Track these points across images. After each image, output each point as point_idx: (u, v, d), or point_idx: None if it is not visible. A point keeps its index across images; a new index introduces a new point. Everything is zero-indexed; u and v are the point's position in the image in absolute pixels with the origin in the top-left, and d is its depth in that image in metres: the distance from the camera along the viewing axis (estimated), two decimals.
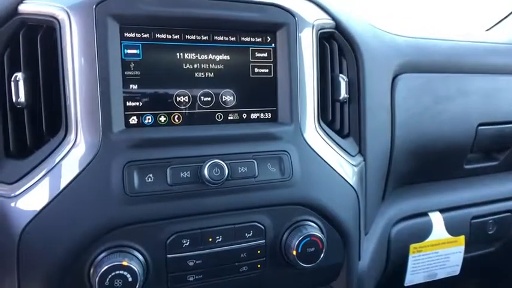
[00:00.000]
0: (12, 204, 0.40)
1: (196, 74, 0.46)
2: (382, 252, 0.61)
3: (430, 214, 0.67)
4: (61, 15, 0.40)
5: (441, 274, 0.68)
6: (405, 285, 0.67)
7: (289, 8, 0.48)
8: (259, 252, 0.46)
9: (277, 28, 0.48)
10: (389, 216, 0.63)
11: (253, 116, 0.48)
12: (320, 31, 0.51)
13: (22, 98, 0.40)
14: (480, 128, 0.66)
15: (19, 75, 0.40)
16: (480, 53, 0.69)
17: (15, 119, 0.42)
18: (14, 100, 0.40)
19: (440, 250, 0.66)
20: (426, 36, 0.66)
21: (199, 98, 0.46)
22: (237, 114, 0.48)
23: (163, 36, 0.44)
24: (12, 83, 0.40)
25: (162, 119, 0.45)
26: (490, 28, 1.06)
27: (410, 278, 0.66)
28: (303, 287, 0.51)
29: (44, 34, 0.42)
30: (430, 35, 0.67)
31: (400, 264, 0.65)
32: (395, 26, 0.66)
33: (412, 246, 0.65)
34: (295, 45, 0.48)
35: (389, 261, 0.63)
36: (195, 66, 0.46)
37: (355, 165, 0.53)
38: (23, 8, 0.41)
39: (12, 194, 0.40)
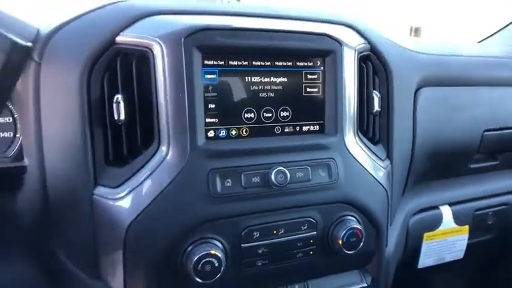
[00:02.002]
0: (118, 204, 0.48)
1: (260, 94, 0.54)
2: (402, 240, 0.72)
3: (440, 207, 0.77)
4: (154, 46, 0.48)
5: (448, 258, 0.79)
6: (418, 267, 0.78)
7: (337, 37, 0.56)
8: (311, 241, 0.55)
9: (326, 54, 0.56)
10: (407, 210, 0.73)
11: (305, 128, 0.57)
12: (360, 54, 0.60)
13: (122, 116, 0.48)
14: (485, 133, 0.76)
15: (119, 97, 0.48)
16: (487, 68, 0.79)
17: (113, 134, 0.50)
18: (115, 118, 0.48)
19: (449, 238, 0.77)
20: (443, 53, 0.75)
21: (262, 114, 0.55)
22: (291, 127, 0.57)
23: (235, 62, 0.52)
24: (114, 104, 0.48)
25: (233, 132, 0.53)
26: (482, 40, 1.15)
27: (423, 261, 0.77)
28: (344, 270, 0.61)
29: (138, 61, 0.49)
30: (447, 51, 0.77)
31: (415, 250, 0.76)
32: (417, 43, 0.75)
33: (425, 234, 0.75)
34: (340, 68, 0.57)
35: (407, 247, 0.73)
36: (260, 87, 0.54)
37: (384, 168, 0.63)
38: (119, 39, 0.49)
39: (117, 196, 0.48)
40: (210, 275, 0.48)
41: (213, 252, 0.48)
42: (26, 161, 0.53)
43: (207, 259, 0.48)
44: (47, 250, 0.53)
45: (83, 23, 0.51)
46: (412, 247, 0.74)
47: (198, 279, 0.48)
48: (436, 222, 0.76)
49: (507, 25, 1.07)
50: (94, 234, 0.50)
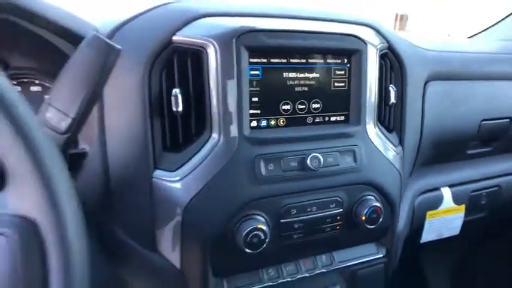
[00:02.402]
0: (176, 186, 0.55)
1: (295, 88, 0.61)
2: (409, 218, 0.81)
3: (441, 189, 0.86)
4: (208, 45, 0.54)
5: (446, 233, 0.89)
6: (420, 242, 0.87)
7: (363, 38, 0.63)
8: (338, 218, 0.63)
9: (353, 53, 0.63)
10: (414, 190, 0.82)
11: (332, 118, 0.65)
12: (380, 52, 0.67)
13: (180, 108, 0.54)
14: (483, 122, 0.85)
15: (177, 91, 0.54)
16: (485, 63, 0.87)
17: (170, 123, 0.56)
18: (174, 109, 0.54)
19: (448, 216, 0.87)
20: (448, 50, 0.83)
21: (297, 106, 0.61)
22: (321, 117, 0.64)
23: (275, 60, 0.59)
24: (173, 97, 0.54)
25: (272, 122, 0.60)
26: (473, 36, 1.24)
27: (425, 237, 0.86)
28: (363, 242, 0.70)
29: (192, 58, 0.55)
30: (451, 48, 0.85)
31: (419, 227, 0.85)
32: (425, 41, 0.82)
33: (428, 213, 0.85)
34: (365, 65, 0.64)
35: (412, 224, 0.82)
36: (295, 82, 0.61)
37: (397, 153, 0.71)
38: (176, 38, 0.54)
39: (175, 179, 0.55)
40: (257, 246, 0.56)
41: (259, 226, 0.55)
42: (86, 148, 0.58)
43: (255, 232, 0.55)
44: (106, 229, 0.59)
45: (141, 23, 0.56)
46: (416, 224, 0.84)
47: (247, 250, 0.55)
48: (438, 202, 0.86)
49: (498, 22, 1.16)
50: (152, 213, 0.57)
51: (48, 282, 0.27)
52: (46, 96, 0.61)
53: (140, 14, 0.57)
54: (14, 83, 0.61)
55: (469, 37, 1.25)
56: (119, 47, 0.41)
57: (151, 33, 0.54)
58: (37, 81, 0.62)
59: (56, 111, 0.41)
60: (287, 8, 0.63)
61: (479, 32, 1.22)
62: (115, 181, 0.56)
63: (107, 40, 0.40)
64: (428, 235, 0.86)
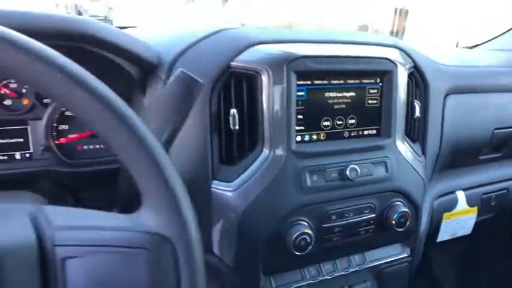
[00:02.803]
0: (233, 195, 0.61)
1: (334, 106, 0.68)
2: (428, 219, 0.88)
3: (456, 192, 0.94)
4: (262, 71, 0.60)
5: (460, 233, 0.97)
6: (437, 241, 0.95)
7: (394, 60, 0.70)
8: (371, 222, 0.70)
9: (385, 74, 0.70)
10: (432, 194, 0.89)
11: (366, 132, 0.71)
12: (408, 71, 0.74)
13: (237, 126, 0.61)
14: (495, 131, 0.93)
15: (234, 111, 0.60)
16: (496, 76, 0.95)
17: (226, 139, 0.62)
18: (231, 127, 0.60)
19: (461, 217, 0.95)
20: (465, 65, 0.90)
21: (336, 122, 0.68)
22: (356, 131, 0.71)
23: (318, 82, 0.65)
24: (231, 117, 0.60)
25: (314, 137, 0.67)
26: (474, 46, 1.31)
27: (441, 236, 0.94)
28: (391, 243, 0.77)
29: (247, 81, 0.61)
30: (467, 63, 0.92)
31: (436, 227, 0.93)
32: (444, 56, 0.89)
33: (444, 214, 0.92)
34: (395, 84, 0.70)
35: (431, 225, 0.90)
36: (334, 101, 0.67)
37: (421, 162, 0.78)
38: (233, 64, 0.60)
39: (231, 189, 0.62)
40: (304, 248, 0.63)
41: (306, 231, 0.62)
42: None
43: (302, 236, 0.62)
44: None
45: (202, 49, 0.62)
46: (434, 225, 0.91)
47: (295, 252, 0.62)
48: (453, 204, 0.93)
49: (504, 33, 1.23)
50: (210, 218, 0.63)
51: (179, 285, 0.33)
52: None
53: (200, 40, 0.63)
54: None
55: (473, 46, 1.32)
56: (201, 81, 0.47)
57: (212, 59, 0.60)
58: None
59: None
60: (325, 33, 0.69)
61: (483, 43, 1.29)
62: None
63: (192, 75, 0.47)
64: (444, 235, 0.94)
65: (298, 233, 0.62)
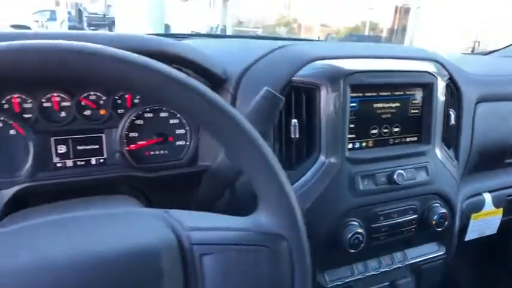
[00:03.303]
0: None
1: (382, 116, 0.74)
2: (459, 220, 0.94)
3: (483, 194, 1.00)
4: (321, 85, 0.66)
5: (486, 232, 1.03)
6: (465, 240, 1.01)
7: (434, 73, 0.76)
8: (413, 222, 0.76)
9: (426, 86, 0.76)
10: (462, 196, 0.95)
11: (408, 139, 0.77)
12: (445, 82, 0.79)
13: (297, 135, 0.67)
14: None
15: (295, 121, 0.66)
16: None
17: (286, 147, 0.68)
18: (292, 136, 0.66)
19: (488, 217, 1.01)
20: (493, 74, 0.96)
21: (382, 130, 0.74)
22: (399, 139, 0.77)
23: (369, 94, 0.71)
24: (292, 127, 0.66)
25: (363, 144, 0.73)
26: (490, 53, 1.37)
27: (469, 235, 1.00)
28: (430, 241, 0.83)
29: (306, 94, 0.67)
30: (494, 72, 0.98)
31: (464, 227, 0.99)
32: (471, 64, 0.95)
33: (472, 215, 0.98)
34: (435, 95, 0.76)
35: (460, 225, 0.96)
36: (382, 111, 0.73)
37: (455, 167, 0.84)
38: (294, 78, 0.66)
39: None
40: (357, 246, 0.69)
41: (359, 230, 0.68)
42: (210, 164, 0.71)
43: (356, 235, 0.68)
44: None
45: (265, 65, 0.68)
46: (463, 224, 0.97)
47: (350, 250, 0.68)
48: (480, 205, 0.99)
49: None
50: None
51: (293, 284, 0.39)
52: (171, 121, 0.74)
53: (262, 56, 0.69)
54: (147, 109, 0.73)
55: (489, 53, 1.38)
56: (282, 97, 0.53)
57: (274, 75, 0.66)
58: (163, 108, 0.74)
59: None
60: (373, 48, 0.75)
61: (501, 49, 1.36)
62: (240, 191, 0.69)
63: (275, 93, 0.52)
64: (471, 234, 1.00)
65: (352, 232, 0.68)
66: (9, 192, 0.60)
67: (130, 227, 0.37)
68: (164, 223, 0.38)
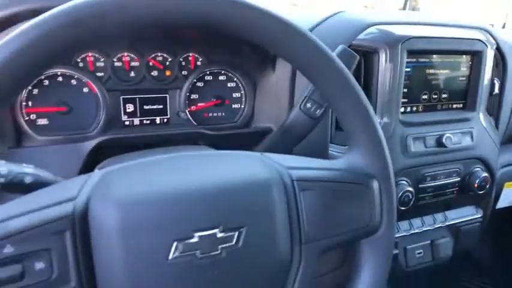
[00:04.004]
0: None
1: (432, 82, 0.77)
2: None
3: None
4: (381, 49, 0.69)
5: None
6: (496, 207, 1.05)
7: (484, 41, 0.78)
8: (456, 185, 0.80)
9: (476, 53, 0.78)
10: (498, 164, 0.99)
11: (454, 106, 0.81)
12: (493, 52, 0.82)
13: None
14: None
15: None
16: None
17: None
18: None
19: None
20: None
21: (432, 96, 0.77)
22: (447, 105, 0.80)
23: (422, 60, 0.74)
24: None
25: (414, 108, 0.76)
26: None
27: (501, 203, 1.04)
28: (470, 204, 0.88)
29: (365, 57, 0.70)
30: None
31: (497, 195, 1.02)
32: None
33: (506, 184, 1.02)
34: (484, 63, 0.79)
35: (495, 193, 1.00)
36: (432, 77, 0.76)
37: (496, 134, 0.87)
38: (354, 42, 0.69)
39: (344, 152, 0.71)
40: (406, 204, 0.73)
41: (408, 189, 0.73)
42: (272, 125, 0.74)
43: (406, 194, 0.72)
44: None
45: (324, 30, 0.71)
46: (496, 193, 1.01)
47: (400, 207, 0.72)
48: None
49: None
50: None
51: (381, 217, 0.44)
52: (229, 84, 0.77)
53: (323, 21, 0.72)
54: (208, 72, 0.76)
55: None
56: (357, 55, 0.56)
57: (335, 38, 0.69)
58: (223, 72, 0.77)
59: (314, 102, 0.56)
60: (428, 16, 0.77)
61: None
62: (299, 149, 0.73)
63: (351, 50, 0.55)
64: (503, 202, 1.04)
65: (403, 190, 0.72)
66: (89, 144, 0.64)
67: (238, 164, 0.41)
68: (264, 162, 0.42)
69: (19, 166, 0.44)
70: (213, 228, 0.36)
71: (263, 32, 0.38)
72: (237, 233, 0.37)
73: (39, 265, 0.32)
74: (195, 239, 0.35)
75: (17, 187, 0.43)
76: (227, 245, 0.36)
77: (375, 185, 0.44)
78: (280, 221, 0.39)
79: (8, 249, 0.31)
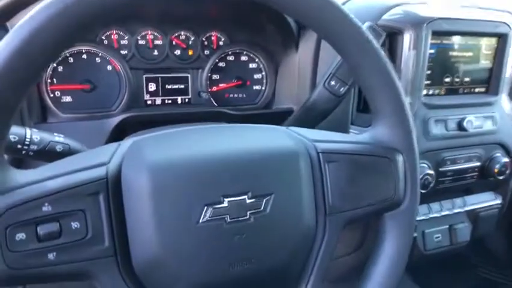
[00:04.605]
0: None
1: (455, 64, 0.76)
2: None
3: None
4: (406, 28, 0.68)
5: None
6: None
7: (510, 24, 0.76)
8: (476, 169, 0.80)
9: (501, 36, 0.77)
10: None
11: (476, 90, 0.80)
12: None
13: None
14: None
15: None
16: None
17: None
18: None
19: None
20: None
21: (454, 79, 0.76)
22: (469, 89, 0.79)
23: (446, 42, 0.73)
24: None
25: (436, 91, 0.75)
26: None
27: None
28: (489, 190, 0.87)
29: (390, 37, 0.70)
30: None
31: None
32: None
33: None
34: (509, 46, 0.77)
35: None
36: (456, 60, 0.75)
37: None
38: (380, 22, 0.69)
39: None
40: (426, 187, 0.73)
41: (429, 171, 0.72)
42: (293, 107, 0.75)
43: (426, 177, 0.72)
44: None
45: (353, 8, 0.70)
46: None
47: (420, 190, 0.72)
48: None
49: None
50: None
51: (405, 191, 0.44)
52: (251, 65, 0.77)
53: (347, 1, 0.71)
54: (230, 53, 0.76)
55: None
56: (383, 32, 0.56)
57: (362, 17, 0.68)
58: (245, 52, 0.77)
59: (338, 80, 0.56)
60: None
61: None
62: (321, 128, 0.73)
63: (378, 28, 0.55)
64: None
65: (423, 173, 0.72)
66: (112, 122, 0.65)
67: (266, 135, 0.42)
68: (291, 135, 0.43)
69: (51, 135, 0.45)
70: (242, 195, 0.36)
71: (298, 4, 0.38)
72: (265, 200, 0.37)
73: (75, 225, 0.33)
74: (224, 204, 0.36)
75: (48, 154, 0.44)
76: (255, 210, 0.37)
77: (400, 158, 0.44)
78: (306, 191, 0.40)
79: (47, 208, 0.32)
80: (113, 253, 0.34)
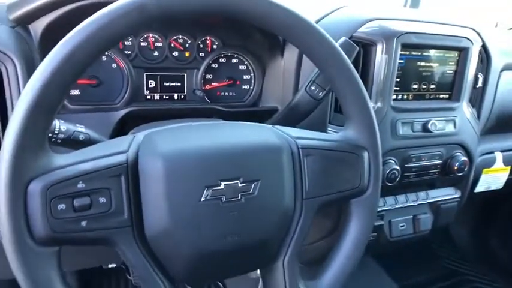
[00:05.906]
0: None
1: (422, 73, 0.86)
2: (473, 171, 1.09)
3: (495, 153, 1.13)
4: (378, 41, 0.77)
5: (493, 187, 1.18)
6: (474, 191, 1.16)
7: (471, 38, 0.87)
8: (438, 166, 0.90)
9: (463, 49, 0.87)
10: (478, 152, 1.09)
11: (441, 96, 0.90)
12: (479, 49, 0.91)
13: None
14: None
15: None
16: None
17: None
18: None
19: (497, 173, 1.15)
20: None
21: (421, 86, 0.86)
22: (434, 95, 0.89)
23: (414, 53, 0.83)
24: None
25: (405, 96, 0.85)
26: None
27: (478, 188, 1.15)
28: (449, 186, 0.98)
29: (363, 49, 0.79)
30: None
31: (476, 180, 1.13)
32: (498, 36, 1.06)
33: (484, 170, 1.12)
34: (469, 59, 0.88)
35: (473, 178, 1.10)
36: (423, 68, 0.85)
37: (477, 124, 0.97)
38: (355, 35, 0.78)
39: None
40: (393, 180, 0.83)
41: (395, 167, 0.82)
42: (278, 105, 0.83)
43: (393, 171, 0.82)
44: None
45: (330, 22, 0.79)
46: (475, 178, 1.11)
47: (387, 183, 0.82)
48: (491, 162, 1.13)
49: None
50: None
51: (369, 182, 0.53)
52: (240, 67, 0.85)
53: (327, 15, 0.80)
54: (222, 55, 0.84)
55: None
56: (357, 46, 0.65)
57: (338, 31, 0.77)
58: (236, 55, 0.86)
59: (318, 86, 0.65)
60: (420, 13, 0.86)
61: None
62: (301, 127, 0.81)
63: (352, 42, 0.64)
64: (481, 186, 1.15)
65: (390, 168, 0.82)
66: (118, 114, 0.72)
67: (255, 132, 0.51)
68: (276, 132, 0.52)
69: (74, 125, 0.53)
70: (235, 179, 0.45)
71: (280, 24, 0.47)
72: (253, 184, 0.46)
73: (102, 199, 0.41)
74: (221, 187, 0.44)
75: (72, 142, 0.52)
76: (246, 193, 0.46)
77: (365, 155, 0.53)
78: (287, 179, 0.49)
79: (81, 185, 0.40)
80: (130, 224, 0.42)
